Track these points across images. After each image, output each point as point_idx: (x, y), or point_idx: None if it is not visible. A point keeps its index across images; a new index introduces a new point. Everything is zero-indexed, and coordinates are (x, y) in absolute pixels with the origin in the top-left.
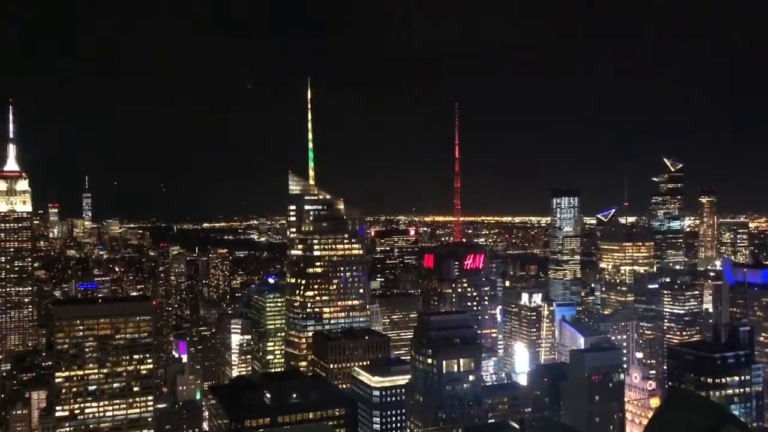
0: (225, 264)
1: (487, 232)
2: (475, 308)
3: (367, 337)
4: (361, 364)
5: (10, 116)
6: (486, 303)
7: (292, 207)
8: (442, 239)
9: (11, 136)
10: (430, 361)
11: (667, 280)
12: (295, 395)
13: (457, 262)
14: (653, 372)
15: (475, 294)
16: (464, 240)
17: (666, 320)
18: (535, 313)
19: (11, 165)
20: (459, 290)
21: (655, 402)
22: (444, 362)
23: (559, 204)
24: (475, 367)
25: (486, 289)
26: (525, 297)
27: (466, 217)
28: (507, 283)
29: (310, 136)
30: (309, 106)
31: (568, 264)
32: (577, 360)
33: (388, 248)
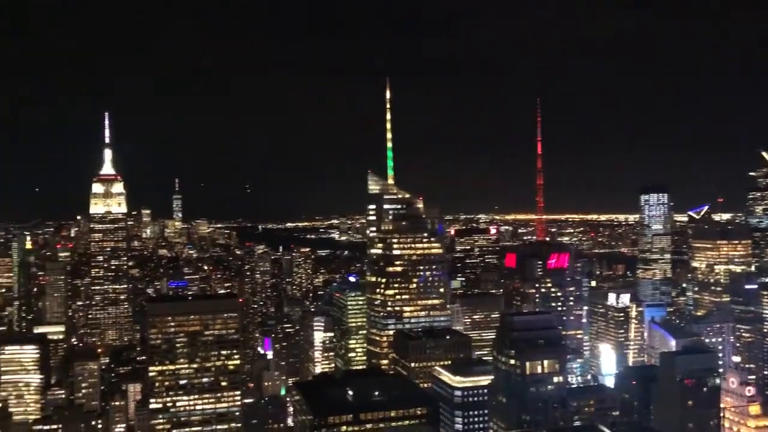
0: (308, 262)
1: (571, 230)
2: (559, 309)
3: (448, 337)
4: (442, 363)
5: (106, 122)
6: (571, 303)
7: (372, 206)
8: (525, 238)
9: (107, 141)
10: (513, 361)
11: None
12: (376, 393)
13: (540, 262)
14: (752, 377)
15: (559, 294)
16: (548, 238)
17: (767, 322)
18: (622, 314)
19: (107, 169)
20: (542, 290)
21: (755, 409)
22: (527, 363)
23: (648, 201)
24: (559, 368)
25: (571, 289)
26: (612, 297)
27: (550, 215)
28: (593, 283)
29: (389, 135)
30: (388, 105)
31: (658, 263)
32: (668, 363)
33: (468, 247)
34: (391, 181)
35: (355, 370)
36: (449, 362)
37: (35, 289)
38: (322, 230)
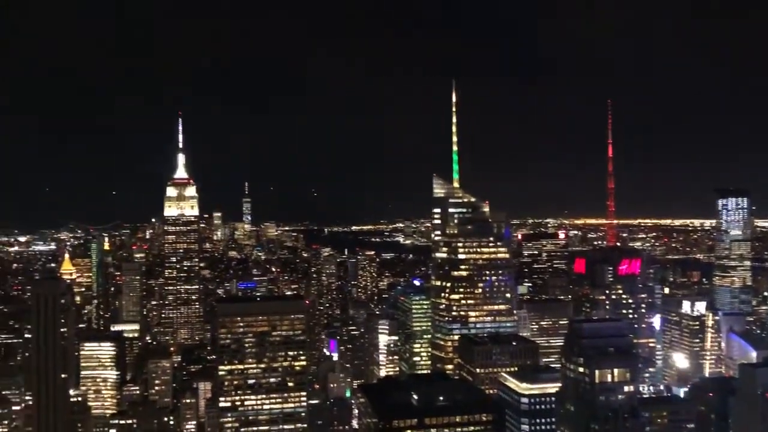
0: (372, 265)
1: (644, 235)
2: (630, 316)
3: (514, 343)
4: (508, 369)
5: (179, 127)
6: (643, 311)
7: (437, 210)
8: (595, 243)
9: (180, 146)
10: (581, 369)
11: None
12: (441, 398)
13: (611, 267)
14: None
15: (630, 301)
16: (619, 244)
17: None
18: (698, 323)
19: (180, 173)
20: (613, 297)
21: None
22: (597, 371)
23: (726, 205)
24: (630, 377)
25: (643, 296)
26: (686, 305)
27: (621, 219)
28: (666, 290)
29: (454, 138)
30: (454, 108)
31: (737, 270)
32: (748, 375)
33: (536, 252)
34: (456, 184)
35: (420, 374)
36: (516, 369)
37: (112, 289)
38: (386, 234)
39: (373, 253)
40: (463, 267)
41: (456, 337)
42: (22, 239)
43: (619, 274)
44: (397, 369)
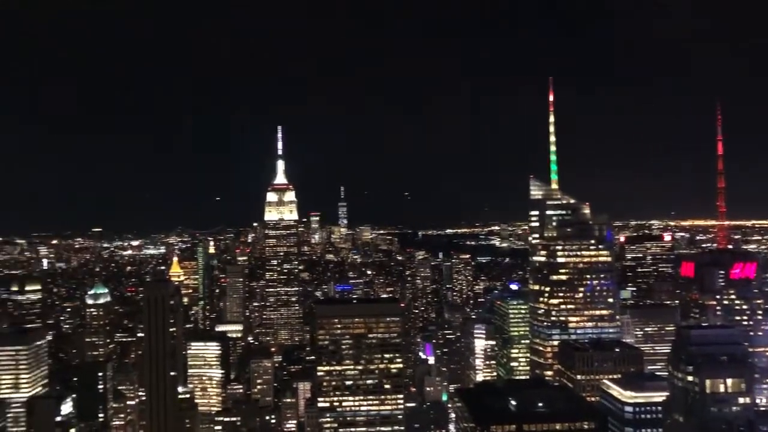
0: (468, 269)
1: (759, 237)
2: (745, 323)
3: (617, 349)
4: (611, 376)
5: (279, 135)
6: (759, 317)
7: (534, 212)
8: (703, 246)
9: (280, 153)
10: (690, 378)
11: None
12: (541, 404)
13: (722, 271)
14: None
15: (745, 307)
16: (730, 246)
17: None
18: None
19: (280, 178)
20: (725, 302)
21: None
22: (707, 381)
23: None
24: (746, 388)
25: (759, 301)
26: None
27: (733, 221)
28: None
29: (552, 138)
30: (551, 108)
31: None
32: None
33: (639, 255)
34: (554, 186)
35: (518, 379)
36: (619, 376)
37: (217, 290)
38: (482, 237)
39: (468, 256)
40: (562, 271)
41: (555, 343)
42: (135, 243)
43: (732, 278)
44: (494, 374)
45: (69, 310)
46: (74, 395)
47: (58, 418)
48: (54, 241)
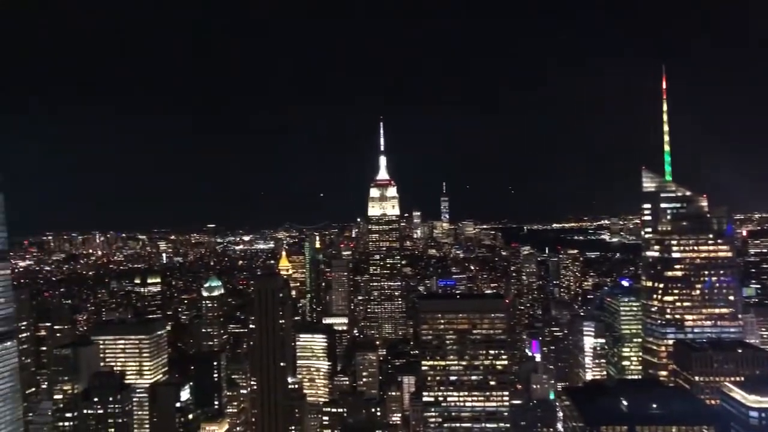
0: (575, 265)
1: None
2: None
3: (740, 350)
4: (733, 379)
5: (381, 131)
6: None
7: (647, 205)
8: None
9: (382, 149)
10: None
11: None
12: (654, 405)
13: None
14: None
15: None
16: None
17: None
18: None
19: (382, 174)
20: None
21: None
22: None
23: None
24: None
25: None
26: None
27: None
28: None
29: (665, 128)
30: (664, 95)
31: None
32: None
33: (764, 250)
34: (668, 177)
35: (629, 379)
36: (742, 378)
37: (323, 284)
38: (590, 231)
39: (576, 251)
40: (677, 266)
41: (670, 342)
42: (246, 238)
43: None
44: (604, 373)
45: (186, 301)
46: (191, 383)
47: (178, 404)
48: (172, 237)
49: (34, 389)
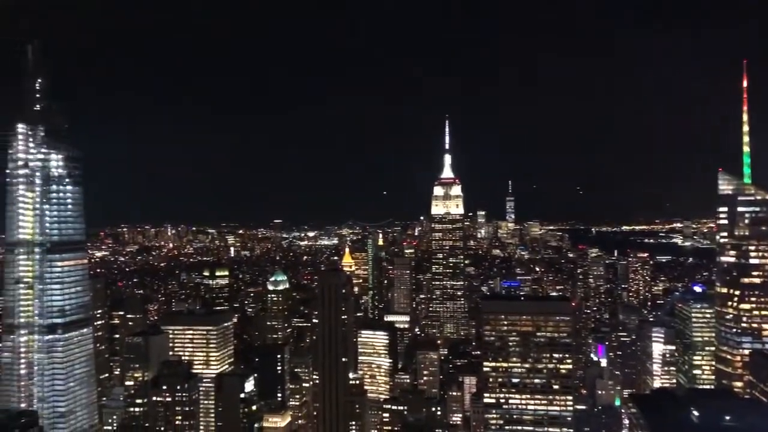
0: (645, 268)
1: None
2: None
3: None
4: None
5: (446, 129)
6: None
7: (723, 208)
8: None
9: (447, 147)
10: None
11: None
12: (728, 417)
13: None
14: None
15: None
16: None
17: None
18: None
19: (447, 172)
20: None
21: None
22: None
23: None
24: None
25: None
26: None
27: None
28: None
29: (745, 128)
30: (745, 94)
31: None
32: None
33: None
34: (747, 180)
35: (701, 389)
36: None
37: (385, 281)
38: (662, 234)
39: (646, 255)
40: (755, 273)
41: (746, 352)
42: (311, 234)
43: None
44: (674, 381)
45: (252, 294)
46: (256, 374)
47: (242, 395)
48: (240, 231)
49: (107, 375)
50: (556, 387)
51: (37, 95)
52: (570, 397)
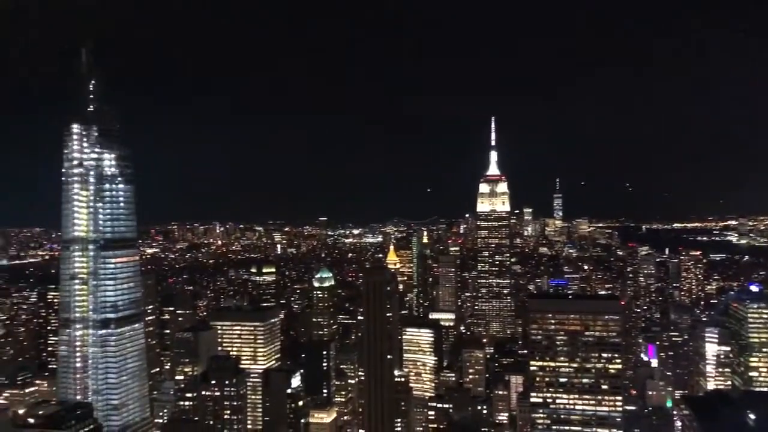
0: (698, 267)
1: None
2: None
3: None
4: None
5: (492, 126)
6: None
7: None
8: None
9: (492, 144)
10: None
11: None
12: None
13: None
14: None
15: None
16: None
17: None
18: None
19: (493, 169)
20: None
21: None
22: None
23: None
24: None
25: None
26: None
27: None
28: None
29: None
30: None
31: None
32: None
33: None
34: None
35: (757, 392)
36: None
37: (430, 279)
38: (716, 232)
39: (699, 253)
40: None
41: None
42: (356, 232)
43: None
44: (729, 383)
45: (298, 291)
46: (302, 370)
47: (289, 390)
48: (286, 229)
49: (158, 369)
50: (604, 387)
51: (91, 97)
52: (619, 398)
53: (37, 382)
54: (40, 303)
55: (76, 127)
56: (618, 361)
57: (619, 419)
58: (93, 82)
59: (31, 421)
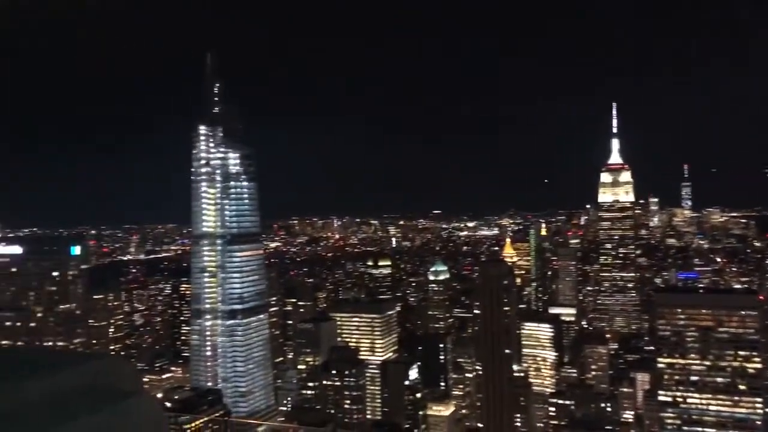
0: None
1: None
2: None
3: None
4: None
5: (614, 113)
6: None
7: None
8: None
9: (614, 131)
10: None
11: None
12: None
13: None
14: None
15: None
16: None
17: None
18: None
19: (615, 158)
20: None
21: None
22: None
23: None
24: None
25: None
26: None
27: None
28: None
29: None
30: None
31: None
32: None
33: None
34: None
35: None
36: None
37: (549, 273)
38: None
39: None
40: None
41: None
42: (470, 224)
43: None
44: None
45: (414, 284)
46: (419, 363)
47: (407, 383)
48: (401, 222)
49: (281, 359)
50: (742, 387)
51: (216, 99)
52: (759, 399)
53: (173, 368)
54: (174, 294)
55: (202, 129)
56: (757, 359)
57: (759, 422)
58: (217, 84)
59: (168, 405)
